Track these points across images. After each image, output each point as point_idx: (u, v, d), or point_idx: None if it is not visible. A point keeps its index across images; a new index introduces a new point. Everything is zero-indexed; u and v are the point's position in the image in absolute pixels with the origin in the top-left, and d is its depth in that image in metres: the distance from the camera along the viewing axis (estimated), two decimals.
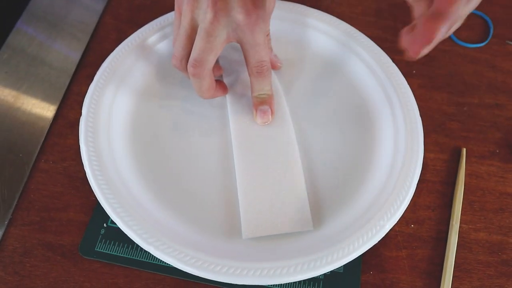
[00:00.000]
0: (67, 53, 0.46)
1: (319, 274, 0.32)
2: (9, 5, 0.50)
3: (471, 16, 0.52)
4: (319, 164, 0.38)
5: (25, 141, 0.40)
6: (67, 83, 0.43)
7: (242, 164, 0.36)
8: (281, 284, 0.34)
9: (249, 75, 0.37)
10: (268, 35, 0.40)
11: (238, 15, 0.33)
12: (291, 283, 0.34)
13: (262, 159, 0.37)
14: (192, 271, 0.30)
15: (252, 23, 0.33)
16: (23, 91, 0.43)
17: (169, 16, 0.44)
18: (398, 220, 0.37)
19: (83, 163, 0.34)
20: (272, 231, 0.34)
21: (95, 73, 0.40)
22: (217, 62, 0.42)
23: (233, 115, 0.39)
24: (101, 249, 0.34)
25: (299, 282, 0.34)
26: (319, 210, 0.36)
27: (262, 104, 0.38)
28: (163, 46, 0.43)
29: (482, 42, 0.50)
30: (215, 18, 0.32)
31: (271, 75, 0.37)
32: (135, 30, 0.43)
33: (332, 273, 0.35)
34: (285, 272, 0.31)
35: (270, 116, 0.38)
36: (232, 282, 0.31)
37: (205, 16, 0.33)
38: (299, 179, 0.36)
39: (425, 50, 0.30)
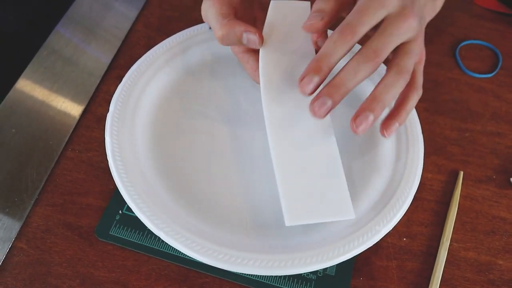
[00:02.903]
0: (99, 56, 0.50)
1: (313, 270, 0.34)
2: (51, 9, 0.54)
3: (482, 48, 0.55)
4: None
5: (56, 131, 0.43)
6: (97, 82, 0.47)
7: (279, 153, 0.36)
8: (275, 279, 0.37)
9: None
10: None
11: None
12: (285, 280, 0.37)
13: (299, 149, 0.36)
14: (196, 256, 0.33)
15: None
16: (58, 87, 0.47)
17: (195, 28, 0.47)
18: (392, 232, 0.39)
19: (107, 154, 0.38)
20: (314, 219, 0.34)
21: (123, 75, 0.44)
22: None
23: (268, 100, 0.37)
24: (115, 233, 0.38)
25: (292, 280, 0.37)
26: None
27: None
28: (188, 55, 0.46)
29: (490, 73, 0.52)
30: None
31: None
32: (164, 39, 0.47)
33: (324, 275, 0.37)
34: (283, 265, 0.34)
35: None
36: (233, 270, 0.34)
37: None
38: (338, 169, 0.36)
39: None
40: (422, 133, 0.42)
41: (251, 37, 0.37)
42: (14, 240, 0.38)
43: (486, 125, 0.48)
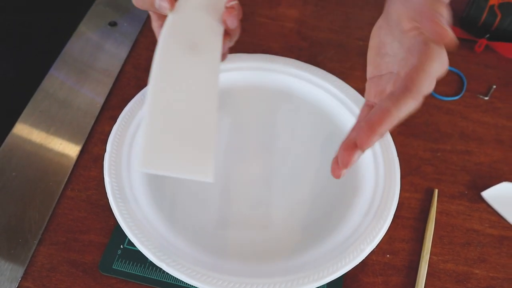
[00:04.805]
0: (92, 97, 0.53)
1: None
2: (44, 54, 0.57)
3: (448, 73, 0.59)
4: (307, 195, 0.44)
5: (55, 172, 0.46)
6: (92, 123, 0.50)
7: (156, 99, 0.35)
8: None
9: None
10: None
11: None
12: None
13: (177, 103, 0.35)
14: (197, 284, 0.36)
15: None
16: (55, 129, 0.49)
17: None
18: (376, 250, 0.42)
19: (107, 192, 0.40)
20: (168, 171, 0.33)
21: (117, 115, 0.47)
22: None
23: (160, 57, 0.37)
24: (118, 267, 0.40)
25: None
26: (307, 236, 0.42)
27: None
28: None
29: (456, 95, 0.57)
30: None
31: None
32: None
33: None
34: (278, 287, 0.37)
35: None
36: None
37: None
38: (210, 131, 0.35)
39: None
40: (398, 155, 0.46)
41: (162, 3, 0.39)
42: (20, 280, 0.39)
43: (455, 145, 0.52)
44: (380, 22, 0.40)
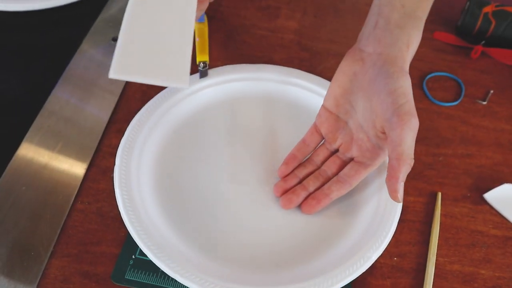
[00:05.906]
0: (98, 112, 0.53)
1: None
2: (48, 72, 0.58)
3: (446, 79, 0.61)
4: None
5: (64, 186, 0.46)
6: (99, 137, 0.50)
7: (135, 11, 0.35)
8: None
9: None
10: None
11: None
12: None
13: (157, 15, 0.36)
14: None
15: None
16: (62, 146, 0.49)
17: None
18: (383, 253, 0.43)
19: (118, 204, 0.41)
20: (142, 76, 0.33)
21: (123, 128, 0.47)
22: None
23: None
24: (130, 277, 0.40)
25: None
26: (315, 244, 0.42)
27: None
28: (181, 105, 0.51)
29: (455, 101, 0.58)
30: None
31: None
32: (157, 92, 0.51)
33: None
34: None
35: None
36: None
37: None
38: (188, 39, 0.35)
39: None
40: None
41: None
42: None
43: (456, 149, 0.53)
44: (354, 67, 0.44)
